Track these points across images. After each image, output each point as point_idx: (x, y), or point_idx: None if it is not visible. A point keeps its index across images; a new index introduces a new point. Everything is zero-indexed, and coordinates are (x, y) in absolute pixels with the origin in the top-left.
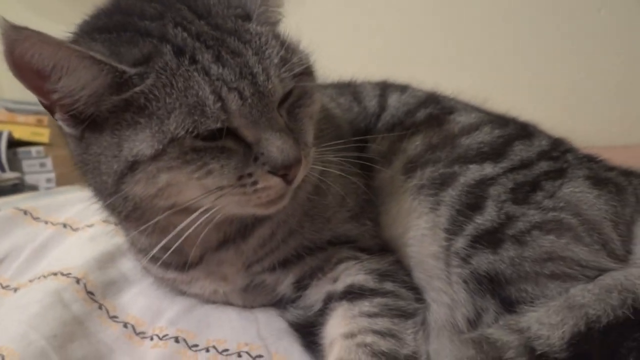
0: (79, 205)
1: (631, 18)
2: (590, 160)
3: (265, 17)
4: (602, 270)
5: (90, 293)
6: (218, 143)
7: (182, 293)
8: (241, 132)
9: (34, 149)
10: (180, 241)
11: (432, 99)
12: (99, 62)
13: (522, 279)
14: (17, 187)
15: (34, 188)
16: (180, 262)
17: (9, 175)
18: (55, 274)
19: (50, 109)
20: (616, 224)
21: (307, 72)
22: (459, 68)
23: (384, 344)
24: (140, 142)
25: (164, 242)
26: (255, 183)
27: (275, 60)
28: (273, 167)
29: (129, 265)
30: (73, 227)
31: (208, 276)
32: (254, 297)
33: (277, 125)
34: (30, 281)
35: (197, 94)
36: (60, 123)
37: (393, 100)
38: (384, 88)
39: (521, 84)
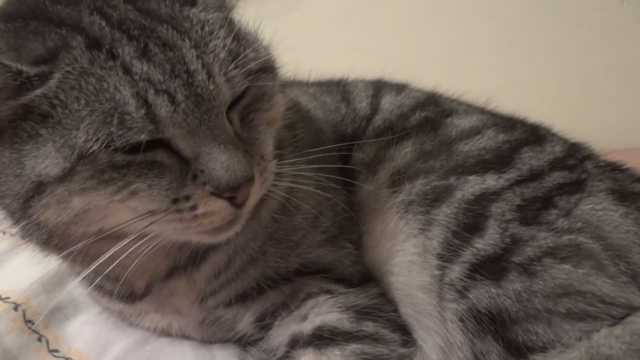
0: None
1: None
2: (613, 169)
3: (215, 2)
4: (632, 309)
5: (29, 322)
6: (145, 156)
7: (134, 325)
8: (175, 144)
9: None
10: (111, 268)
11: (431, 101)
12: None
13: (532, 319)
14: None
15: None
16: (125, 292)
17: None
18: None
19: None
20: None
21: (266, 69)
22: (467, 65)
23: None
24: (44, 159)
25: (90, 269)
26: (194, 207)
27: (222, 55)
28: (216, 187)
29: (79, 288)
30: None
31: (159, 309)
32: (212, 332)
33: (222, 136)
34: None
35: (114, 98)
36: None
37: (386, 101)
38: (378, 88)
39: (536, 81)
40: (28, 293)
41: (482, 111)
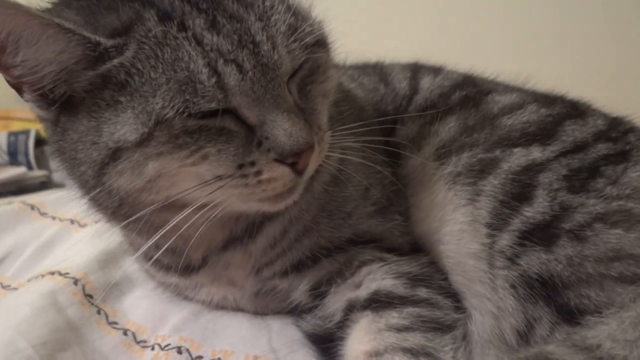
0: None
1: None
2: None
3: None
4: None
5: (88, 296)
6: (215, 122)
7: (189, 299)
8: (242, 112)
9: None
10: (173, 239)
11: (468, 81)
12: (67, 31)
13: (584, 283)
14: (45, 185)
15: (61, 186)
16: (181, 265)
17: (37, 173)
18: (52, 274)
19: (17, 87)
20: None
21: (320, 43)
22: (496, 51)
23: None
24: (122, 125)
25: (153, 239)
26: (258, 173)
27: (283, 28)
28: (280, 154)
29: (134, 265)
30: (81, 224)
31: (214, 281)
32: (266, 303)
33: (285, 105)
34: (29, 281)
35: (188, 68)
36: (30, 105)
37: (426, 82)
38: (416, 70)
39: (564, 66)
40: (86, 269)
41: (520, 89)
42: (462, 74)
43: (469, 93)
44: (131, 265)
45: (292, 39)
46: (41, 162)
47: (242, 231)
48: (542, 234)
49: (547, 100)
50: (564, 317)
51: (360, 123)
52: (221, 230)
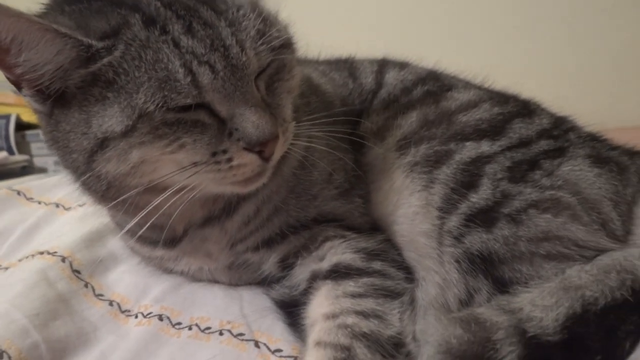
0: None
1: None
2: (593, 139)
3: None
4: (601, 251)
5: (76, 271)
6: (191, 115)
7: (169, 271)
8: (215, 106)
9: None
10: (156, 217)
11: (431, 76)
12: (63, 35)
13: (517, 259)
14: (26, 170)
15: (42, 170)
16: (165, 239)
17: (18, 157)
18: (41, 253)
19: (17, 84)
20: (616, 203)
21: (286, 45)
22: (462, 45)
23: (366, 325)
24: (110, 118)
25: (137, 217)
26: (230, 160)
27: (252, 33)
28: (248, 143)
29: (117, 243)
30: (65, 207)
31: (193, 252)
32: (239, 275)
33: (253, 100)
34: (19, 260)
35: (167, 68)
36: (27, 99)
37: (390, 77)
38: (382, 64)
39: (528, 62)
40: (72, 248)
41: (479, 87)
42: (426, 69)
43: (431, 88)
44: (115, 244)
45: (259, 42)
46: (22, 147)
47: (219, 210)
48: (484, 217)
49: (501, 99)
50: (499, 288)
51: (325, 113)
52: (201, 208)
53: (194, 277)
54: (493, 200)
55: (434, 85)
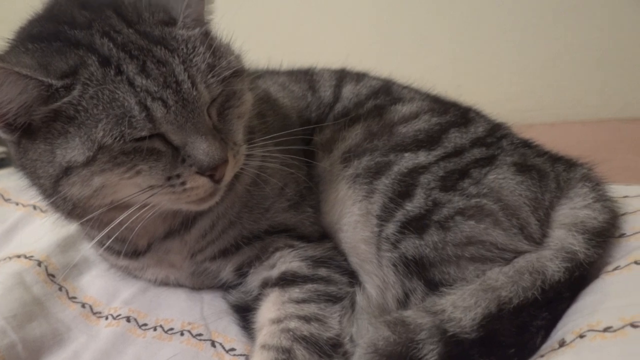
0: None
1: None
2: (524, 145)
3: (192, 20)
4: (519, 253)
5: (51, 275)
6: (147, 144)
7: (137, 278)
8: (169, 136)
9: None
10: (120, 231)
11: (384, 89)
12: (25, 77)
13: (445, 262)
14: (4, 162)
15: None
16: (130, 250)
17: None
18: (18, 257)
19: None
20: (535, 208)
21: (237, 74)
22: (439, 41)
23: (307, 329)
24: (72, 150)
25: (102, 233)
26: (183, 183)
27: (202, 67)
28: (199, 168)
29: (90, 249)
30: (42, 209)
31: (158, 263)
32: (201, 280)
33: (203, 129)
34: None
35: (123, 105)
36: None
37: (347, 90)
38: (341, 77)
39: (501, 58)
40: (48, 253)
41: (425, 98)
42: (381, 81)
43: (380, 102)
44: (88, 249)
45: (209, 75)
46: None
47: (179, 224)
48: (417, 224)
49: (442, 109)
50: (432, 289)
51: (280, 133)
52: (162, 223)
53: (161, 282)
54: (425, 209)
55: (384, 99)
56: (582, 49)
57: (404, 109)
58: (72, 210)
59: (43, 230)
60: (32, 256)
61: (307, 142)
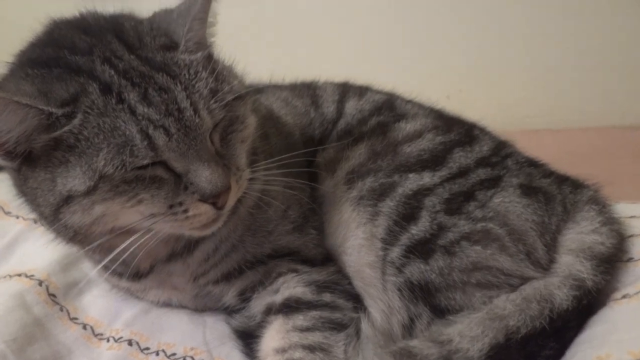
0: None
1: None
2: (530, 164)
3: (194, 43)
4: (526, 279)
5: (52, 295)
6: (149, 172)
7: (139, 299)
8: (171, 163)
9: None
10: (124, 257)
11: (387, 105)
12: (25, 105)
13: (451, 288)
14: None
15: None
16: (132, 273)
17: None
18: (19, 275)
19: None
20: (542, 233)
21: (240, 97)
22: (441, 47)
23: (312, 359)
24: (73, 179)
25: (105, 260)
26: (186, 211)
27: (205, 92)
28: (202, 196)
29: (91, 266)
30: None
31: (160, 285)
32: (204, 303)
33: (206, 156)
34: None
35: (125, 134)
36: None
37: (350, 106)
38: (344, 92)
39: (504, 63)
40: (49, 271)
41: (429, 114)
42: (384, 95)
43: (383, 119)
44: (89, 267)
45: (212, 101)
46: None
47: (182, 248)
48: (422, 249)
49: (446, 127)
50: (438, 314)
51: (284, 156)
52: (165, 247)
53: (164, 304)
54: (430, 233)
55: (388, 116)
56: (586, 55)
57: (407, 127)
58: (73, 237)
59: (44, 245)
60: (32, 275)
61: (310, 161)
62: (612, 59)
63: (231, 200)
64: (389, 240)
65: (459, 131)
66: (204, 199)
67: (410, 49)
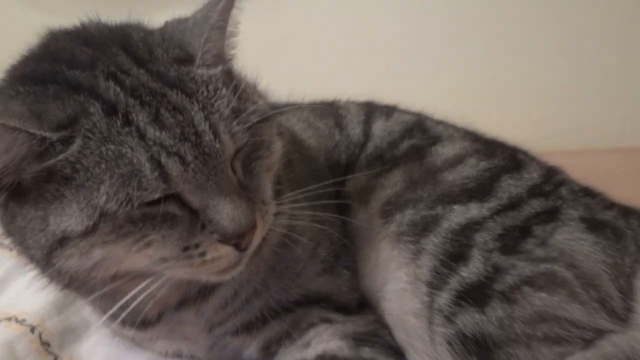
0: None
1: (633, 14)
2: (586, 194)
3: (212, 56)
4: (601, 332)
5: (45, 344)
6: (159, 208)
7: (145, 348)
8: (185, 197)
9: None
10: (132, 307)
11: (418, 127)
12: (13, 129)
13: (513, 343)
14: None
15: None
16: (136, 320)
17: None
18: (9, 319)
19: None
20: (615, 277)
21: (265, 119)
22: (451, 68)
23: None
24: (68, 218)
25: (112, 311)
26: (203, 254)
27: (226, 113)
28: (223, 236)
29: (89, 308)
30: None
31: (169, 335)
32: (220, 356)
33: (227, 188)
34: None
35: (132, 162)
36: None
37: (378, 127)
38: (369, 112)
39: (517, 84)
40: (42, 315)
41: (464, 136)
42: (413, 116)
43: (417, 142)
44: (88, 309)
45: (234, 122)
46: None
47: (195, 293)
48: (476, 295)
49: (488, 151)
50: None
51: (311, 187)
52: (175, 292)
53: (173, 355)
54: (485, 275)
55: (420, 138)
56: (606, 73)
57: (445, 151)
58: (69, 284)
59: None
60: (24, 319)
61: (338, 189)
62: (634, 76)
63: (256, 240)
64: (436, 283)
65: (502, 155)
66: (225, 240)
67: (423, 70)
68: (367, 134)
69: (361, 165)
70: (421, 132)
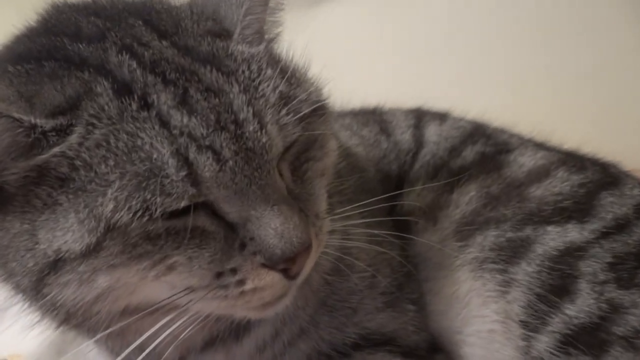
0: None
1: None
2: None
3: (254, 32)
4: None
5: None
6: (186, 221)
7: None
8: (220, 207)
9: None
10: (148, 350)
11: (479, 132)
12: None
13: None
14: None
15: None
16: None
17: None
18: None
19: None
20: None
21: (319, 112)
22: (482, 86)
23: None
24: (64, 232)
25: (123, 355)
26: (241, 282)
27: (273, 99)
28: (269, 259)
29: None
30: None
31: None
32: None
33: (275, 196)
34: None
35: (150, 158)
36: None
37: (431, 133)
38: (419, 117)
39: (553, 101)
40: (38, 355)
41: (539, 146)
42: (469, 121)
43: (485, 149)
44: (93, 353)
45: (284, 111)
46: None
47: (225, 332)
48: (589, 340)
49: (575, 162)
50: None
51: (366, 202)
52: (201, 330)
53: None
54: (599, 315)
55: (486, 145)
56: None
57: (526, 162)
58: (66, 320)
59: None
60: None
61: (392, 206)
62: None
63: (309, 265)
64: (533, 324)
65: (594, 168)
66: (270, 264)
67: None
68: (418, 140)
69: (418, 177)
70: (485, 138)
